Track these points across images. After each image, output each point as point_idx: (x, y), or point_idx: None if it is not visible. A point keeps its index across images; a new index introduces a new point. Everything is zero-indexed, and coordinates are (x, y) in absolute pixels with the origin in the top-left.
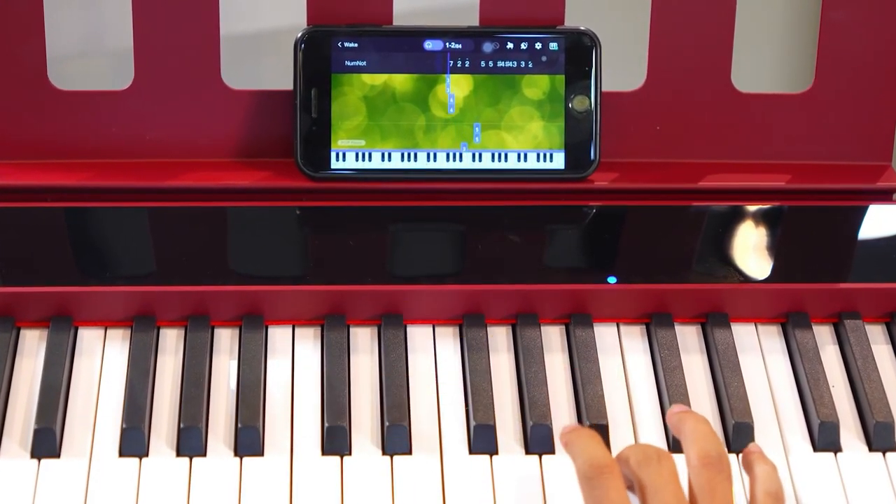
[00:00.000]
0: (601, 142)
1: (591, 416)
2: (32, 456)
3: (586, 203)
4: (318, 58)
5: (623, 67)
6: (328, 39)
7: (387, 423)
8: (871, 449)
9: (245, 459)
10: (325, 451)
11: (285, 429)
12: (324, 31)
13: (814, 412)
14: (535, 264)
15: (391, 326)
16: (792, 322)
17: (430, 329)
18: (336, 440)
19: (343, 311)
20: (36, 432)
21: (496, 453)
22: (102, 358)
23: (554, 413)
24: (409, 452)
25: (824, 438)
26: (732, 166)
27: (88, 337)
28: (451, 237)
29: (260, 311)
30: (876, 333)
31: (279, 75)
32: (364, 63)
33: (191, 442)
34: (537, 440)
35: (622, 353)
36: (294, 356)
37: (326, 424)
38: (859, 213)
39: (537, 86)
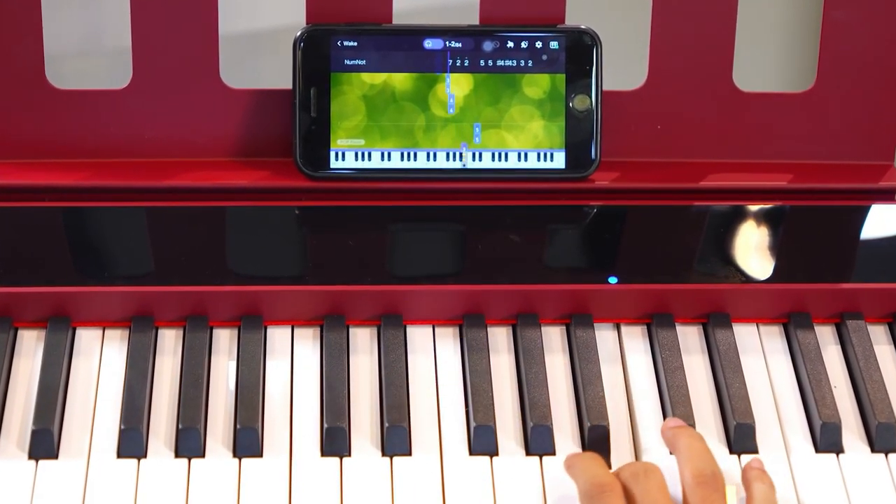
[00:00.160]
0: (602, 141)
1: (592, 417)
2: (30, 457)
3: (587, 203)
4: (317, 57)
5: (624, 66)
6: (327, 38)
7: (386, 424)
8: (873, 450)
9: (244, 461)
10: (325, 452)
11: (284, 430)
12: (323, 30)
13: (816, 413)
14: (535, 264)
15: (391, 327)
16: (794, 322)
17: (430, 329)
18: (335, 441)
19: (342, 311)
20: (34, 433)
21: (496, 454)
22: (100, 358)
23: (554, 414)
24: (409, 453)
25: (826, 439)
26: (734, 166)
27: (86, 337)
28: (451, 237)
29: (259, 311)
30: (878, 334)
31: (278, 74)
32: (363, 62)
33: (189, 443)
34: (538, 441)
35: (623, 353)
36: (293, 357)
37: (326, 425)
38: (861, 213)
39: (538, 85)
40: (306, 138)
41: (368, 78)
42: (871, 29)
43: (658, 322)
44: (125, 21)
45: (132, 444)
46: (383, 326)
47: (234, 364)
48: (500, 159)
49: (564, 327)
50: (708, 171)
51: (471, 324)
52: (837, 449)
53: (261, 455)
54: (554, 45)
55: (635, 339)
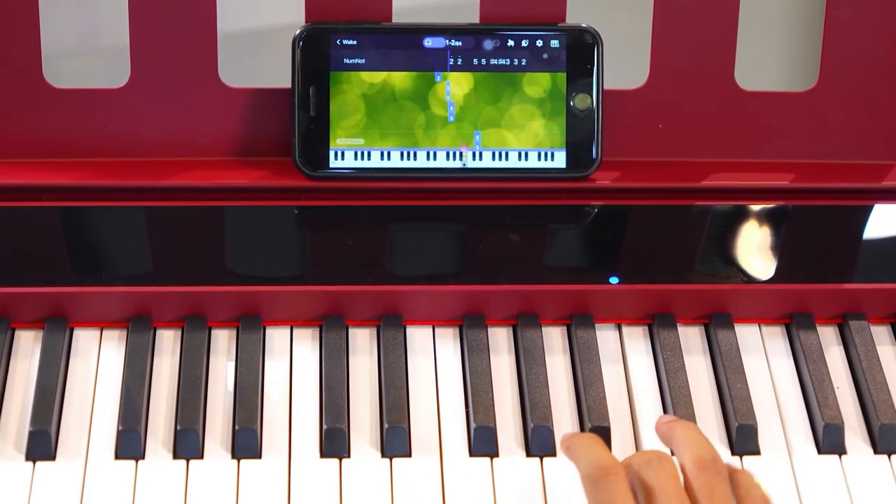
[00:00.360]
0: (603, 140)
1: (593, 418)
2: (27, 458)
3: (588, 202)
4: (316, 55)
5: (625, 65)
6: (327, 37)
7: (386, 426)
8: (876, 451)
9: (243, 462)
10: (324, 453)
11: (283, 431)
12: (322, 29)
13: (818, 414)
14: (536, 264)
15: (390, 327)
16: (796, 323)
17: (430, 330)
18: (335, 442)
19: (342, 311)
20: (31, 434)
21: (497, 456)
22: (98, 359)
23: (555, 415)
24: (409, 455)
25: (829, 440)
26: (736, 165)
27: (84, 338)
28: (451, 237)
29: (258, 311)
30: (881, 334)
31: (277, 73)
32: (363, 61)
33: (188, 444)
34: (538, 442)
35: (624, 354)
36: (292, 357)
37: (325, 426)
38: (864, 213)
39: (538, 84)
40: (305, 137)
41: (368, 77)
42: (874, 27)
43: (659, 322)
44: (123, 20)
45: (130, 445)
46: (383, 327)
47: (232, 365)
48: (500, 159)
49: (565, 328)
50: (709, 171)
51: (471, 324)
52: (840, 450)
53: (260, 456)
54: (555, 43)
55: (636, 340)
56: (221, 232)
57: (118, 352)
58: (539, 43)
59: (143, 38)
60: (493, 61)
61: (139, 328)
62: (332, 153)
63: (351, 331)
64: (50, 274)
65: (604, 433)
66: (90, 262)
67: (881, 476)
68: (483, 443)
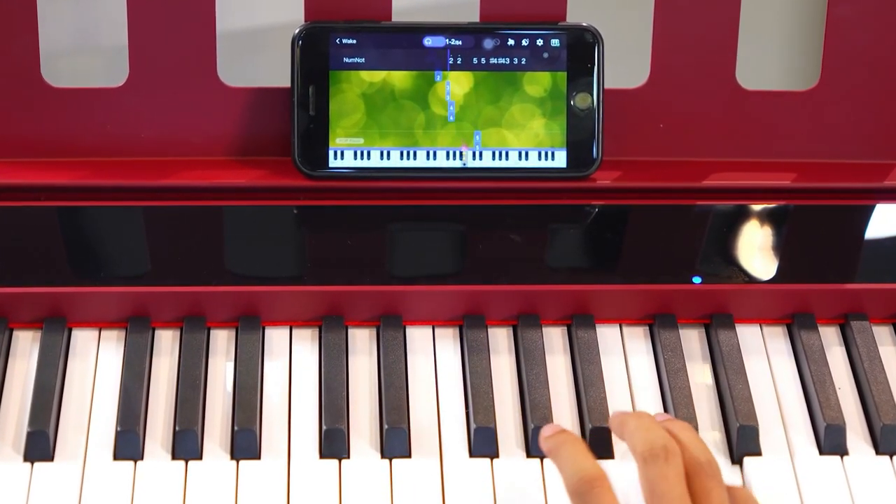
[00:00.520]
0: (604, 140)
1: (594, 418)
2: (25, 459)
3: (588, 202)
4: (315, 54)
5: (626, 64)
6: (326, 36)
7: (386, 426)
8: (878, 452)
9: (242, 463)
10: (323, 454)
11: (282, 432)
12: (322, 28)
13: (820, 415)
14: (536, 264)
15: (390, 328)
16: (797, 323)
17: (430, 330)
18: (334, 443)
19: (341, 312)
20: (29, 435)
21: (497, 456)
22: (97, 360)
23: (556, 415)
24: (409, 456)
25: (830, 441)
26: (737, 165)
27: (82, 338)
28: (451, 237)
29: (257, 312)
30: (883, 335)
31: (276, 72)
32: (363, 60)
33: (186, 445)
34: (539, 443)
35: (625, 354)
36: (291, 358)
37: (324, 427)
38: (866, 213)
39: (539, 83)
40: (305, 137)
41: (367, 76)
42: (876, 26)
43: (660, 323)
44: (121, 18)
45: (129, 446)
46: (383, 327)
47: (231, 365)
48: (500, 158)
49: (566, 328)
50: (711, 170)
51: (471, 324)
52: (842, 451)
53: (259, 457)
54: (555, 42)
55: (637, 340)
56: (220, 232)
57: (117, 352)
58: (539, 42)
59: (142, 37)
60: (494, 60)
61: (138, 328)
62: (331, 153)
63: (350, 331)
64: (48, 274)
65: (604, 434)
66: (88, 262)
67: (883, 477)
68: (483, 443)
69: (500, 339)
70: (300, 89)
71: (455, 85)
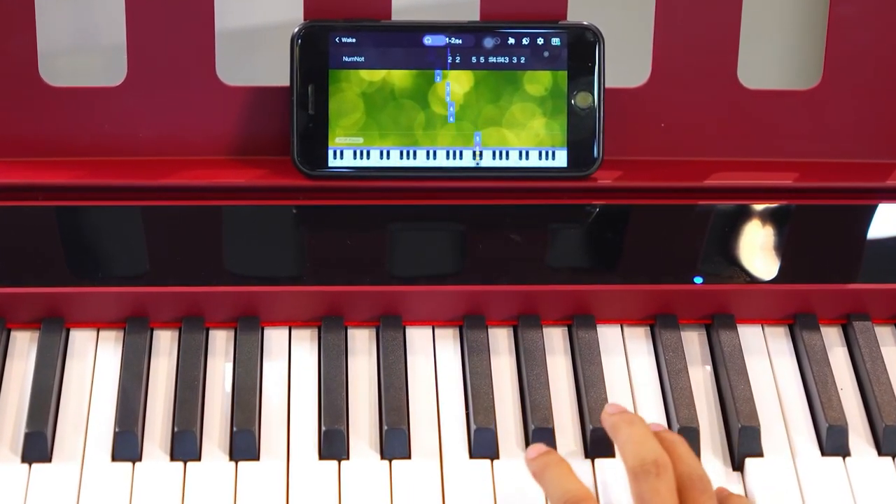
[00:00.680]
0: (604, 139)
1: (594, 419)
2: (23, 460)
3: (589, 202)
4: (315, 53)
5: (627, 63)
6: (325, 34)
7: (385, 427)
8: (880, 453)
9: (240, 464)
10: (323, 455)
11: (282, 433)
12: (321, 26)
13: (822, 415)
14: (536, 264)
15: (390, 328)
16: (799, 323)
17: (430, 331)
18: (333, 444)
19: (341, 312)
20: (27, 436)
21: (497, 458)
22: (95, 360)
23: (556, 416)
24: (409, 457)
25: (832, 442)
26: (739, 164)
27: (80, 338)
28: (451, 237)
29: (256, 312)
30: (885, 335)
31: (275, 71)
32: (362, 59)
33: (185, 446)
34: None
35: (626, 355)
36: (291, 358)
37: (324, 428)
38: (868, 212)
39: (539, 82)
40: (304, 136)
41: (367, 75)
42: (878, 25)
43: (661, 323)
44: (120, 17)
45: (127, 447)
46: (382, 328)
47: (230, 366)
48: (500, 158)
49: (566, 328)
50: (712, 170)
51: (471, 325)
52: (844, 452)
53: (258, 458)
54: (556, 41)
55: (638, 341)
56: (219, 232)
57: (115, 353)
58: (540, 41)
59: (140, 36)
60: (494, 59)
61: (136, 329)
62: (330, 152)
63: (350, 331)
64: (46, 274)
65: (605, 435)
66: (87, 262)
67: (885, 478)
68: (483, 445)
69: (500, 340)
70: (299, 88)
71: (455, 84)
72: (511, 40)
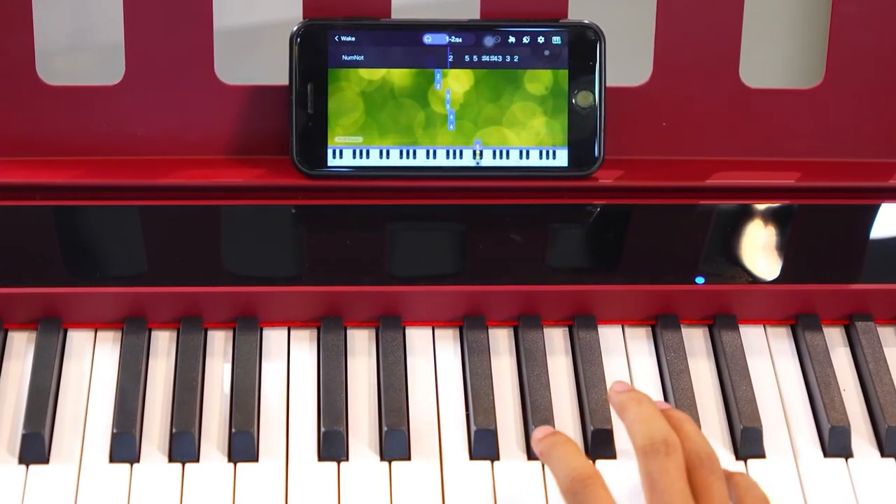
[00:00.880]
0: (605, 138)
1: (596, 420)
2: (20, 462)
3: (590, 201)
4: (314, 52)
5: (628, 62)
6: (325, 33)
7: (385, 428)
8: (883, 454)
9: (239, 465)
10: (322, 456)
11: (280, 434)
12: (320, 25)
13: (824, 417)
14: (537, 264)
15: (390, 328)
16: (802, 324)
17: (430, 331)
18: (333, 445)
19: (340, 312)
20: (24, 437)
21: (497, 459)
22: (92, 361)
23: (557, 417)
24: (408, 458)
25: (835, 444)
26: (740, 163)
27: (78, 339)
28: (451, 237)
29: (254, 312)
30: (888, 335)
31: (274, 70)
32: (361, 57)
33: (183, 447)
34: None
35: (627, 355)
36: (290, 359)
37: (323, 429)
38: (871, 212)
39: (540, 81)
40: (303, 136)
41: (367, 74)
42: (881, 24)
43: (663, 323)
44: (117, 15)
45: (125, 448)
46: (382, 328)
47: (229, 366)
48: (501, 157)
49: (567, 329)
50: (714, 169)
51: (471, 325)
52: (846, 453)
53: (256, 459)
54: (556, 40)
55: (640, 341)
56: (218, 231)
57: (113, 353)
58: (541, 39)
59: (138, 35)
60: (494, 58)
61: (134, 329)
62: (330, 151)
63: (349, 332)
64: (43, 274)
65: (606, 436)
66: (84, 262)
67: (888, 479)
68: (483, 446)
69: (500, 340)
70: (298, 87)
71: (455, 83)
72: (511, 39)
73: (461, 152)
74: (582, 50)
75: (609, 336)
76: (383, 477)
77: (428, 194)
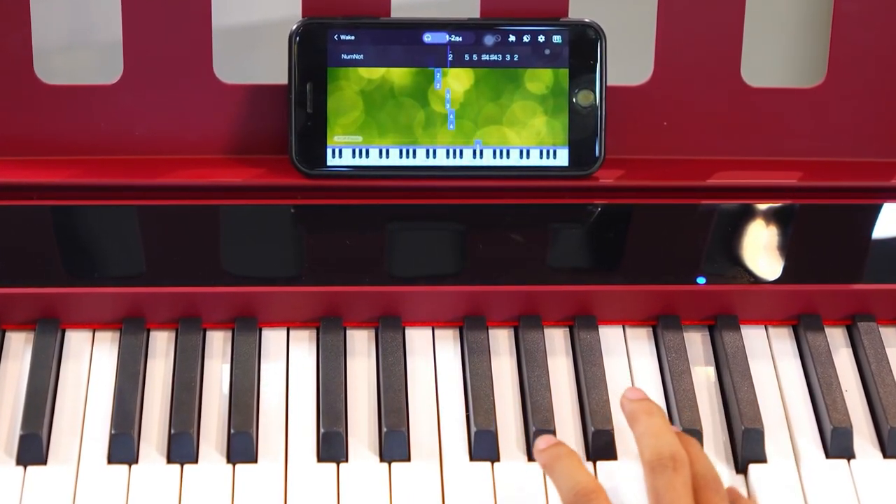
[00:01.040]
0: (606, 138)
1: (596, 421)
2: (18, 463)
3: (591, 201)
4: (313, 51)
5: (629, 61)
6: (324, 32)
7: (385, 429)
8: (885, 456)
9: (238, 466)
10: (321, 457)
11: (279, 435)
12: (319, 24)
13: (826, 418)
14: (538, 264)
15: (389, 329)
16: (803, 324)
17: (430, 331)
18: (332, 446)
19: (339, 312)
20: (22, 438)
21: (498, 460)
22: (90, 361)
23: (558, 418)
24: (408, 459)
25: (837, 445)
26: (742, 163)
27: (76, 339)
28: (451, 237)
29: (253, 312)
30: (890, 336)
31: (273, 69)
32: (361, 56)
33: (182, 448)
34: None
35: (628, 356)
36: (289, 359)
37: (322, 430)
38: (873, 212)
39: (540, 80)
40: (302, 135)
41: (366, 73)
42: (883, 23)
43: (664, 324)
44: (116, 14)
45: (123, 449)
46: (381, 328)
47: (227, 367)
48: (501, 156)
49: (568, 329)
50: (715, 169)
51: (471, 326)
52: (849, 455)
53: (255, 461)
54: (557, 39)
55: (641, 342)
56: (216, 231)
57: (111, 354)
58: (541, 38)
59: (137, 33)
60: (495, 57)
61: (132, 330)
62: (329, 151)
63: (349, 332)
64: (41, 274)
65: (607, 437)
66: (82, 262)
67: (891, 480)
68: (484, 447)
69: (500, 341)
70: (298, 86)
71: (455, 82)
72: (512, 38)
73: (461, 152)
74: (583, 49)
75: (610, 336)
76: (383, 478)
77: (428, 194)
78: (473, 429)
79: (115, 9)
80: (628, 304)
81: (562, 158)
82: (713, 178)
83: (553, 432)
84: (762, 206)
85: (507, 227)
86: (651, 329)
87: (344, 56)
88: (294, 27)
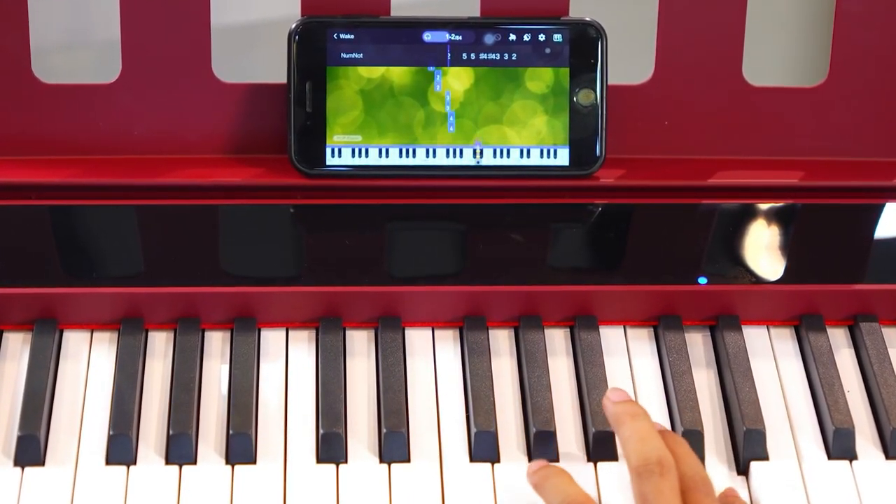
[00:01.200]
0: (607, 137)
1: (597, 422)
2: (16, 464)
3: (591, 201)
4: (312, 50)
5: (630, 60)
6: (323, 31)
7: (384, 430)
8: (887, 456)
9: (237, 467)
10: (321, 458)
11: (279, 435)
12: (319, 23)
13: (828, 418)
14: (538, 264)
15: (389, 329)
16: (805, 324)
17: (430, 332)
18: (331, 447)
19: (339, 313)
20: (19, 439)
21: (498, 461)
22: (88, 362)
23: (558, 419)
24: (408, 460)
25: (839, 446)
26: (743, 163)
27: (74, 340)
28: (451, 236)
29: (252, 313)
30: (893, 336)
31: (272, 68)
32: (360, 55)
33: (180, 449)
34: (541, 447)
35: (629, 356)
36: (288, 360)
37: (321, 431)
38: (875, 212)
39: (541, 79)
40: (301, 134)
41: (366, 72)
42: (885, 23)
43: (665, 324)
44: (114, 13)
45: (121, 450)
46: (381, 329)
47: (226, 367)
48: (501, 156)
49: (568, 329)
50: (716, 168)
51: (471, 326)
52: (851, 455)
53: (254, 462)
54: (557, 37)
55: (641, 342)
56: (215, 231)
57: (109, 354)
58: (541, 37)
59: (135, 32)
60: (495, 56)
61: (131, 330)
62: (328, 150)
63: (348, 333)
64: (39, 274)
65: (608, 437)
66: (80, 261)
67: (893, 481)
68: (484, 448)
69: (501, 341)
70: (297, 86)
71: (455, 81)
72: (512, 37)
73: (461, 151)
74: (583, 48)
75: (610, 337)
76: (383, 479)
77: (428, 194)
78: (473, 429)
79: (114, 8)
80: (629, 304)
81: (562, 158)
82: (714, 178)
83: (553, 433)
84: (763, 206)
85: (507, 227)
86: (652, 329)
87: (343, 55)
88: (293, 26)
